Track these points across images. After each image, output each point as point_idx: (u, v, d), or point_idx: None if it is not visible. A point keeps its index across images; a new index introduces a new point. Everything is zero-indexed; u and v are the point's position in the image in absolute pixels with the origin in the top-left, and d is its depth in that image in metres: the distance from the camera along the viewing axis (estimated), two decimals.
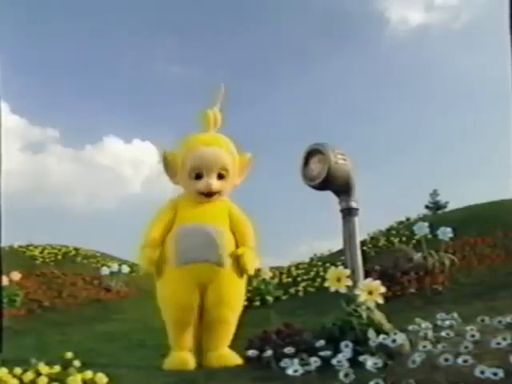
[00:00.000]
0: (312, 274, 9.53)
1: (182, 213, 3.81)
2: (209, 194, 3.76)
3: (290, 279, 9.57)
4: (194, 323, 3.72)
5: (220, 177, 3.79)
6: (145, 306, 7.76)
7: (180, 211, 3.83)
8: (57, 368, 2.77)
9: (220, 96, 4.04)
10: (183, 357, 3.58)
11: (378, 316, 2.74)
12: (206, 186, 3.71)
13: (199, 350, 3.72)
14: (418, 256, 6.67)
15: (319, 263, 10.44)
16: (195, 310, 3.67)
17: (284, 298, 8.37)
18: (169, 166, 3.92)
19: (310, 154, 3.45)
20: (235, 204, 3.95)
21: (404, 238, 10.21)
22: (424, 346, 2.06)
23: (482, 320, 2.47)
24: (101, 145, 34.93)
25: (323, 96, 31.61)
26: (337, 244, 10.95)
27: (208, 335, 3.70)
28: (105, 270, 11.28)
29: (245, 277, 3.81)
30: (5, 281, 7.58)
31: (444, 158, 30.65)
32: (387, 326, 2.70)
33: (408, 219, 13.05)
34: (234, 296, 3.72)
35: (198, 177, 3.75)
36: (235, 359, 3.45)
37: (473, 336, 2.13)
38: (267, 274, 8.79)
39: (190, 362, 3.54)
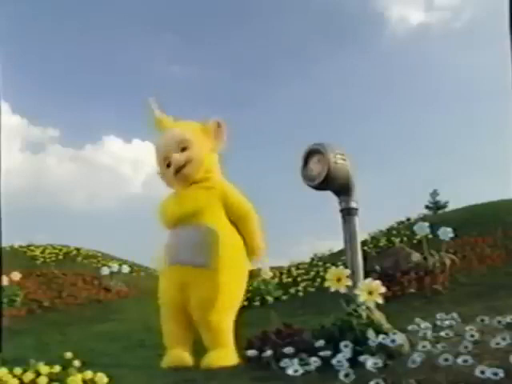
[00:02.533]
0: (312, 274, 9.53)
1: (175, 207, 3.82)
2: (178, 170, 3.76)
3: (290, 279, 9.56)
4: (187, 322, 3.68)
5: (183, 150, 3.79)
6: (145, 306, 7.74)
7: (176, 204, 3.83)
8: (57, 368, 2.78)
9: (152, 110, 4.04)
10: (178, 354, 3.56)
11: (378, 316, 2.74)
12: (173, 165, 3.75)
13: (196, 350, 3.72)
14: (417, 256, 6.67)
15: (319, 263, 10.43)
16: (185, 309, 3.65)
17: (284, 298, 8.37)
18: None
19: (310, 154, 3.44)
20: (230, 184, 3.92)
21: (404, 238, 10.21)
22: (424, 346, 2.06)
23: (482, 320, 2.47)
24: (101, 144, 34.89)
25: (323, 96, 31.58)
26: (337, 244, 10.95)
27: (202, 336, 3.66)
28: (105, 270, 11.28)
29: (235, 275, 3.71)
30: (5, 281, 7.59)
31: (444, 158, 30.62)
32: (387, 326, 2.70)
33: (408, 219, 13.04)
34: (219, 297, 3.56)
35: (169, 165, 3.82)
36: (223, 361, 3.35)
37: (472, 336, 2.13)
38: (267, 274, 8.79)
39: (186, 358, 3.52)
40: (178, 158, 3.74)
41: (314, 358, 2.17)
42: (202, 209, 3.72)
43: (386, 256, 7.52)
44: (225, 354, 3.46)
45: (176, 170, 3.76)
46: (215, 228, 3.65)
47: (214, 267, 3.56)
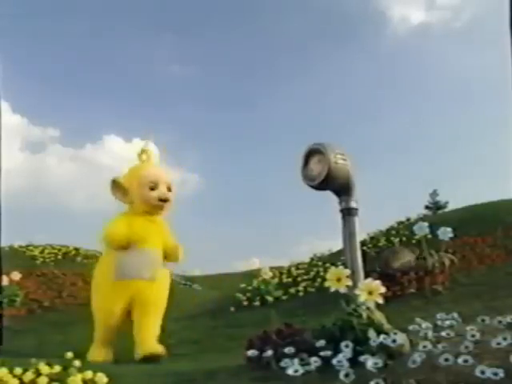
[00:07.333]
0: (312, 274, 9.52)
1: (135, 232, 4.66)
2: (165, 200, 4.76)
3: (290, 279, 9.56)
4: (119, 326, 4.68)
5: (168, 189, 4.85)
6: None
7: (132, 229, 4.67)
8: (57, 368, 2.77)
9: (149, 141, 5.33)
10: (105, 352, 4.63)
11: (378, 316, 2.74)
12: (162, 196, 4.74)
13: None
14: (410, 256, 6.66)
15: (319, 263, 10.42)
16: (123, 317, 4.66)
17: (284, 298, 8.36)
18: (120, 188, 4.84)
19: (310, 153, 3.44)
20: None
21: (404, 238, 10.20)
22: (424, 346, 2.06)
23: (482, 320, 2.47)
24: (101, 144, 34.95)
25: (323, 96, 31.62)
26: (337, 244, 10.93)
27: (137, 335, 4.56)
28: None
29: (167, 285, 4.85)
30: (5, 281, 7.58)
31: (444, 158, 30.67)
32: (387, 326, 2.70)
33: (408, 219, 13.02)
34: (158, 305, 4.74)
35: (152, 189, 4.74)
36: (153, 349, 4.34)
37: (473, 336, 2.13)
38: (267, 274, 8.78)
39: (110, 356, 4.64)
40: (169, 194, 4.84)
41: (314, 357, 2.17)
42: (156, 234, 4.85)
43: (384, 256, 7.50)
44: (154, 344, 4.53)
45: (161, 200, 4.74)
46: (160, 249, 4.79)
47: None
